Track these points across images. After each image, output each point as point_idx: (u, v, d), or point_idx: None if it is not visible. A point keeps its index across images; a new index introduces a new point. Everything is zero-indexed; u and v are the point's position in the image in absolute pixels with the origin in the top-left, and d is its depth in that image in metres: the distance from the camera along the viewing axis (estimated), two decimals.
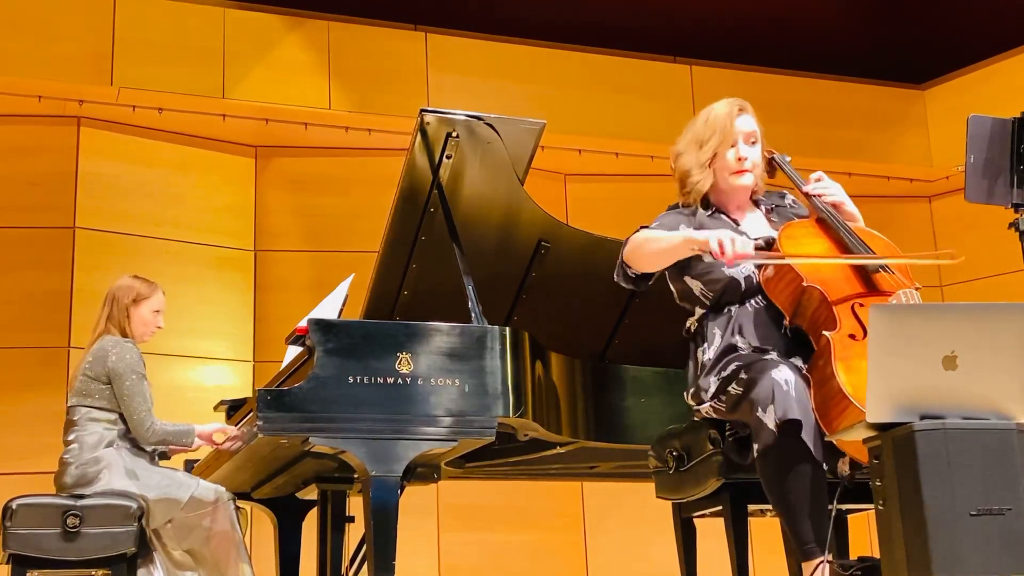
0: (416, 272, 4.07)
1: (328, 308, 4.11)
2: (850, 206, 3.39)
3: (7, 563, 4.04)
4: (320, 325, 3.51)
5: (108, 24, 6.52)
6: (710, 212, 3.37)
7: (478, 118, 3.81)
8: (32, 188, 6.58)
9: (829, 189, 3.37)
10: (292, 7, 7.04)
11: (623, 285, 3.40)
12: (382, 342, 3.51)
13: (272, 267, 7.13)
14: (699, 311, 3.34)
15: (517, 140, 3.89)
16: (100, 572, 4.14)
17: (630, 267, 3.33)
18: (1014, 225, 3.38)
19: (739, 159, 3.34)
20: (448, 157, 3.82)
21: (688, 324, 3.40)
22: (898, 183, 7.82)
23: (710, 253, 3.04)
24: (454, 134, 3.78)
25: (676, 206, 3.42)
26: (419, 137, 3.77)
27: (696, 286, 3.31)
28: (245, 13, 6.89)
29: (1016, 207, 3.36)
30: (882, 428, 2.60)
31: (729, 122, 3.35)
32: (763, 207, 3.47)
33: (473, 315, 3.64)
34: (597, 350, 4.47)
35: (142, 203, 6.82)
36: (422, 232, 3.98)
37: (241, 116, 6.88)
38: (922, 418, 2.56)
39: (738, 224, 3.37)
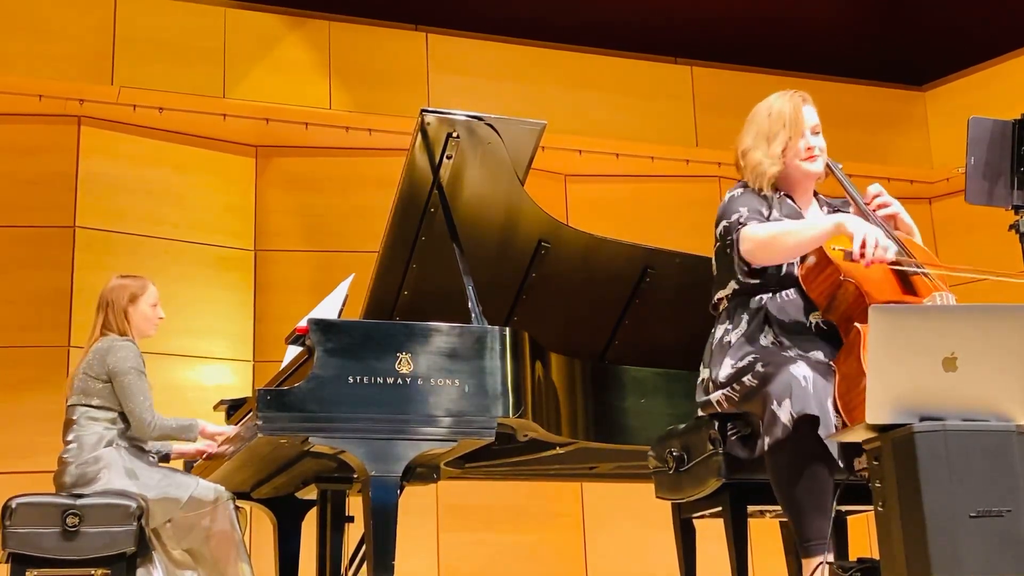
0: (416, 272, 4.07)
1: (328, 308, 4.11)
2: (905, 217, 3.41)
3: (6, 562, 4.04)
4: (320, 325, 3.51)
5: (109, 23, 6.53)
6: (779, 195, 3.38)
7: (478, 118, 3.81)
8: (32, 187, 6.58)
9: (887, 199, 3.40)
10: (293, 7, 7.04)
11: (747, 280, 3.30)
12: (382, 342, 3.51)
13: (272, 267, 7.13)
14: (731, 287, 3.33)
15: (517, 140, 3.89)
16: (99, 571, 4.15)
17: (754, 263, 3.25)
18: (1014, 227, 3.37)
19: (808, 148, 3.38)
20: (448, 157, 3.82)
21: (716, 298, 3.39)
22: (898, 185, 7.81)
23: (850, 251, 3.04)
24: (454, 134, 3.78)
25: (744, 185, 3.40)
26: (419, 137, 3.77)
27: (738, 260, 3.29)
28: (246, 13, 6.89)
29: (1016, 209, 3.36)
30: (882, 429, 2.60)
31: (797, 114, 3.38)
32: (825, 207, 3.48)
33: (473, 315, 3.64)
34: (597, 351, 4.47)
35: (142, 202, 6.82)
36: (422, 232, 3.98)
37: (242, 116, 6.88)
38: (922, 420, 2.56)
39: (801, 211, 3.39)
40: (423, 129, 3.76)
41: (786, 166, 3.37)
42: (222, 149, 7.14)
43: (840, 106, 7.76)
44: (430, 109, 3.77)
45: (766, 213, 3.29)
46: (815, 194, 3.50)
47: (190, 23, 6.71)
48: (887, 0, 8.13)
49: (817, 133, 3.41)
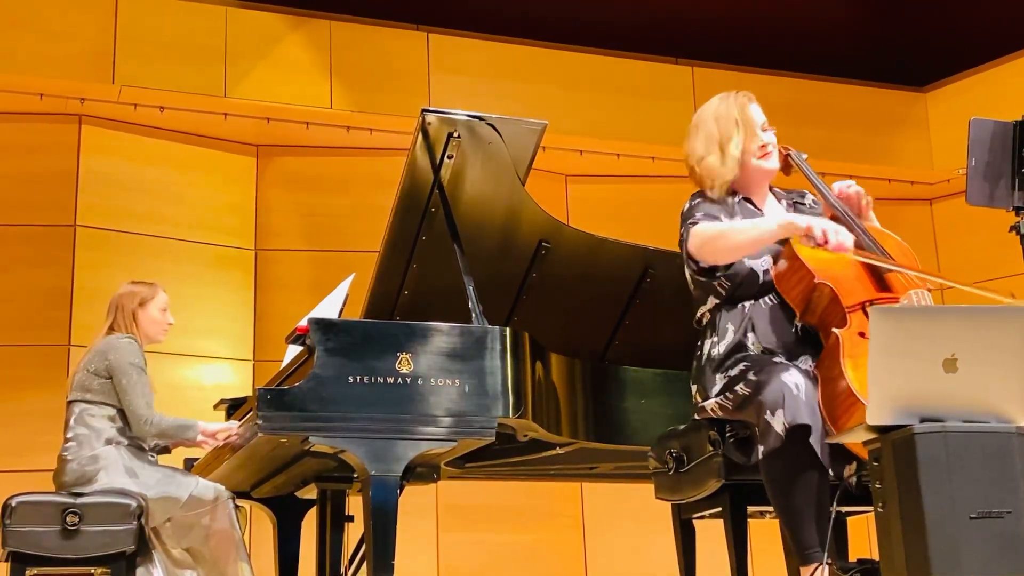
0: (417, 272, 4.07)
1: (328, 307, 4.11)
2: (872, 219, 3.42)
3: (6, 560, 4.04)
4: (320, 324, 3.51)
5: (110, 22, 6.53)
6: (737, 199, 3.38)
7: (479, 118, 3.81)
8: (33, 186, 6.58)
9: (854, 186, 3.41)
10: (294, 6, 7.04)
11: (700, 279, 3.32)
12: (382, 342, 3.51)
13: (273, 266, 7.13)
14: (712, 301, 3.33)
15: (518, 140, 3.89)
16: (99, 570, 4.15)
17: (701, 261, 3.27)
18: (1015, 228, 3.37)
19: (762, 146, 3.38)
20: (449, 157, 3.82)
21: (700, 314, 3.39)
22: (899, 186, 7.82)
23: (812, 239, 3.03)
24: (455, 134, 3.78)
25: (702, 194, 3.40)
26: (420, 137, 3.77)
27: (686, 257, 3.30)
28: (247, 12, 6.89)
29: (1017, 210, 3.36)
30: (882, 431, 2.60)
31: (746, 113, 3.38)
32: (783, 201, 3.48)
33: (473, 315, 3.64)
34: (597, 351, 4.46)
35: (143, 201, 6.82)
36: (423, 232, 3.98)
37: (242, 115, 6.88)
38: (922, 421, 2.56)
39: (761, 212, 3.39)
40: (424, 129, 3.76)
41: (743, 168, 3.37)
42: (223, 148, 7.14)
43: (841, 107, 7.78)
44: (431, 109, 3.77)
45: (722, 218, 3.29)
46: (770, 188, 3.50)
47: (191, 22, 6.71)
48: (888, 1, 8.13)
49: (767, 130, 3.41)
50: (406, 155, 3.81)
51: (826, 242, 3.01)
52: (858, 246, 3.18)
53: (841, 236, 3.02)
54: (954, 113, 7.60)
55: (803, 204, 3.50)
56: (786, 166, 3.49)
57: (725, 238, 3.19)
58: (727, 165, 3.34)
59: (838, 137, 7.62)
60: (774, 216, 3.28)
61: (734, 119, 3.37)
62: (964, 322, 2.57)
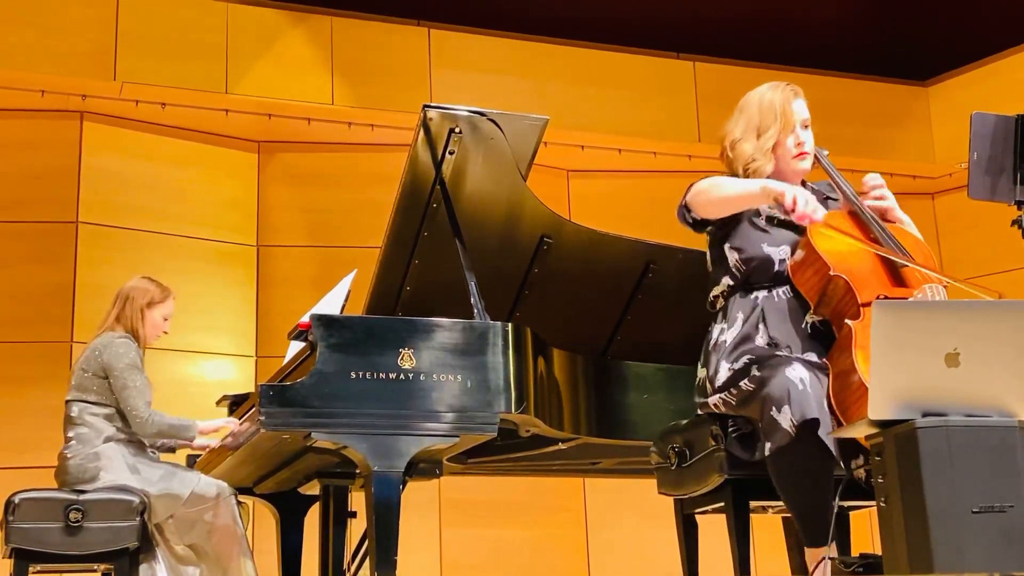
0: (419, 268, 4.07)
1: (331, 303, 4.11)
2: (899, 212, 3.40)
3: (9, 557, 4.04)
4: (323, 320, 3.51)
5: (111, 18, 6.53)
6: None
7: (481, 114, 3.80)
8: (35, 182, 6.58)
9: (885, 192, 3.39)
10: (295, 2, 7.04)
11: (688, 226, 3.38)
12: (384, 338, 3.51)
13: (275, 262, 7.13)
14: (725, 283, 3.32)
15: (520, 136, 3.88)
16: (102, 567, 4.15)
17: (692, 211, 3.32)
18: (1017, 222, 3.37)
19: (798, 144, 3.35)
20: (451, 153, 3.82)
21: (713, 294, 3.38)
22: (901, 180, 7.80)
23: (782, 205, 3.04)
24: (457, 130, 3.78)
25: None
26: (422, 132, 3.76)
27: (732, 256, 3.30)
28: (248, 8, 6.89)
29: (1019, 204, 3.35)
30: (884, 425, 2.60)
31: (788, 108, 3.35)
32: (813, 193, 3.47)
33: (476, 311, 3.64)
34: (599, 346, 4.46)
35: (145, 198, 6.83)
36: (424, 228, 3.98)
37: (244, 111, 6.88)
38: (924, 415, 2.55)
39: None
40: (425, 124, 3.75)
41: (777, 161, 3.36)
42: (224, 144, 7.14)
43: (843, 101, 7.76)
44: (432, 104, 3.77)
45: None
46: (803, 183, 3.49)
47: (192, 18, 6.71)
48: None
49: (806, 128, 3.38)
50: (408, 151, 3.81)
51: (793, 210, 3.01)
52: (873, 240, 3.19)
53: (808, 208, 3.01)
54: (956, 107, 7.58)
55: (835, 199, 3.48)
56: None
57: (715, 189, 3.23)
58: (761, 155, 3.32)
59: (840, 131, 7.59)
60: (756, 180, 3.26)
61: (776, 110, 3.34)
62: (966, 316, 2.57)
